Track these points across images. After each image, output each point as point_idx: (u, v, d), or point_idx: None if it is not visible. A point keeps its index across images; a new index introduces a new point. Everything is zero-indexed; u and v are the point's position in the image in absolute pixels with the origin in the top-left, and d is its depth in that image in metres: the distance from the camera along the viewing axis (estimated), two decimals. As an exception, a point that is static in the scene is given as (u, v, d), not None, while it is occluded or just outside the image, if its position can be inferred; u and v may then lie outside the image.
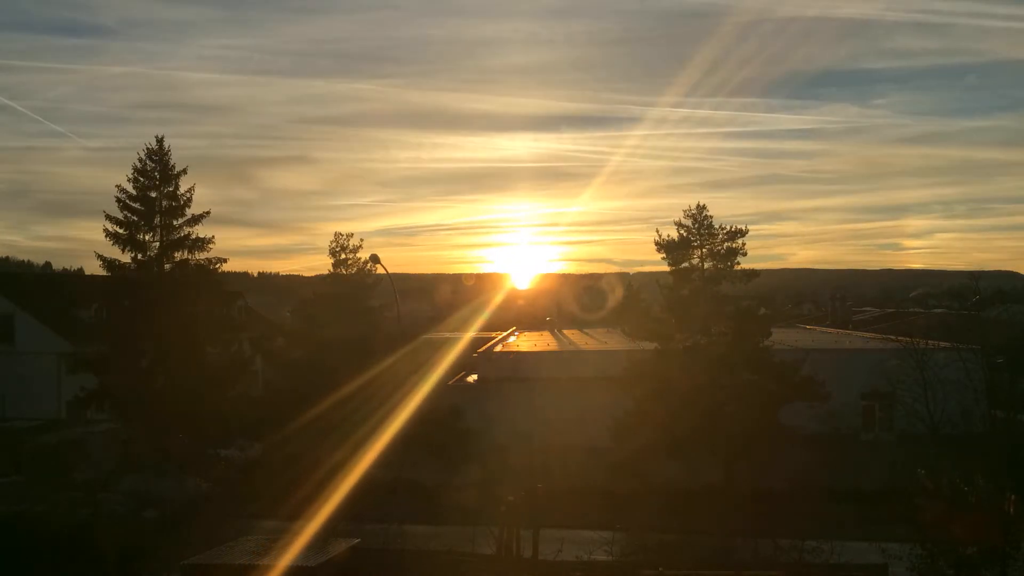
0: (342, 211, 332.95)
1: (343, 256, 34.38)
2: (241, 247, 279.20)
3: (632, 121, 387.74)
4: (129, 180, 34.53)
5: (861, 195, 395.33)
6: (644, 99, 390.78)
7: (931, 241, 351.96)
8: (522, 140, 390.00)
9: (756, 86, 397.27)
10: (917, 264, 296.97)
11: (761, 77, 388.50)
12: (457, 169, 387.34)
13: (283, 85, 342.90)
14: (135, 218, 34.54)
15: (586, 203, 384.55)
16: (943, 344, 33.52)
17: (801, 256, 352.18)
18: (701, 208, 31.97)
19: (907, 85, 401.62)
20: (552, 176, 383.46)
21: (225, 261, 35.85)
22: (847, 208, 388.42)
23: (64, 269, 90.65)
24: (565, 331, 71.19)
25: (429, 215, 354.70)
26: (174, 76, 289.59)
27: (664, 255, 32.61)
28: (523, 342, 62.15)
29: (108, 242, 34.41)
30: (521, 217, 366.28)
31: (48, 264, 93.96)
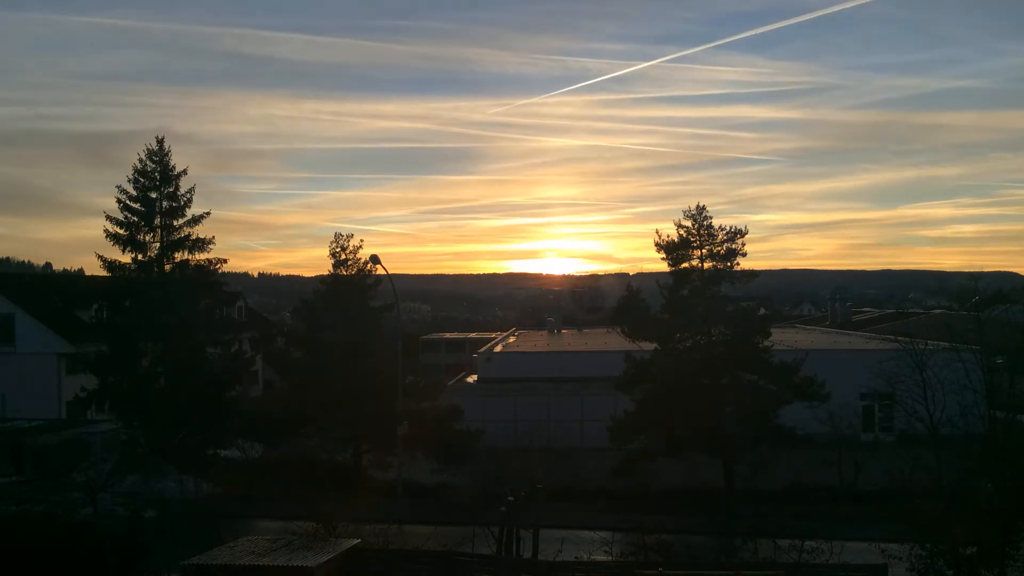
0: (258, 200, 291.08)
1: (343, 256, 34.42)
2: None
3: (547, 81, 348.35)
4: (129, 180, 34.65)
5: (843, 178, 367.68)
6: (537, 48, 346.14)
7: (940, 232, 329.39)
8: (408, 106, 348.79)
9: (691, 30, 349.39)
10: (915, 263, 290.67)
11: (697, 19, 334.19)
12: (350, 149, 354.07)
13: (46, 25, 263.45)
14: (135, 219, 34.63)
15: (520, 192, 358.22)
16: (943, 344, 33.48)
17: (802, 254, 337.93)
18: (700, 208, 32.05)
19: (857, 19, 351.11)
20: (468, 158, 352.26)
21: (225, 261, 36.11)
22: (830, 195, 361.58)
23: (64, 269, 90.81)
24: (564, 331, 71.23)
25: (368, 202, 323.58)
26: None
27: (664, 255, 32.64)
28: (523, 342, 62.16)
29: (108, 243, 34.57)
30: (483, 205, 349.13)
31: (48, 264, 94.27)
